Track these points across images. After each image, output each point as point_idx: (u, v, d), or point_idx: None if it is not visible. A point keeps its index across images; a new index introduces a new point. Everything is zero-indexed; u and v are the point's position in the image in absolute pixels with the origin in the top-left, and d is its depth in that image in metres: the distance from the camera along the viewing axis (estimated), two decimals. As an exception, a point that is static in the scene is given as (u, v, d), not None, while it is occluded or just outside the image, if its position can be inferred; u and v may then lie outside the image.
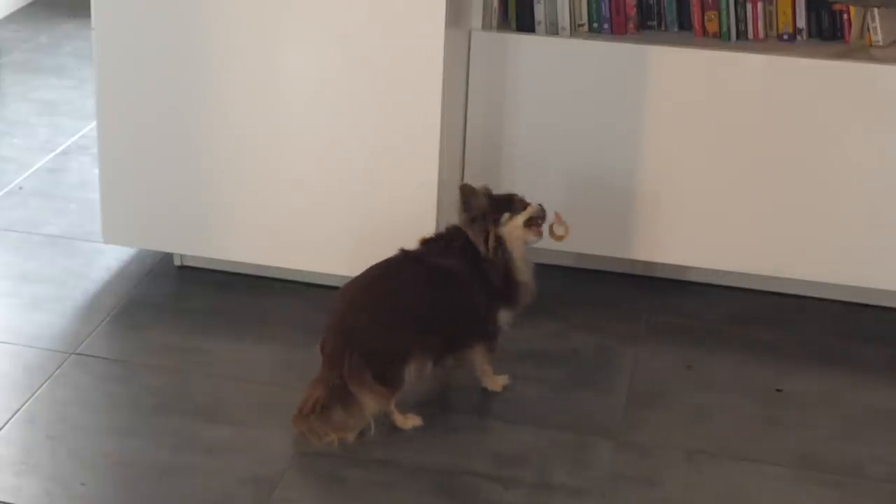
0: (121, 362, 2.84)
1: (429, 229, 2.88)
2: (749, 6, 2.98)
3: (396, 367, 2.52)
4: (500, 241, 2.63)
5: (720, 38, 3.01)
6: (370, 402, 2.51)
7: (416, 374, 2.57)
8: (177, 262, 3.24)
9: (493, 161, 3.07)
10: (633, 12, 3.02)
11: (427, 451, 2.55)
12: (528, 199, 2.69)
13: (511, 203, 2.66)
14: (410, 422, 2.61)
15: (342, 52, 2.83)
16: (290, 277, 3.13)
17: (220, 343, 2.92)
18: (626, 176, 3.04)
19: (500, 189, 2.73)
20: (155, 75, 2.94)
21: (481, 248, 2.62)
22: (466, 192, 2.66)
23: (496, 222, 2.63)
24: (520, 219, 2.64)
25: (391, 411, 2.58)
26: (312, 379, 2.54)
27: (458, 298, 2.61)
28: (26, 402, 2.67)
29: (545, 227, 2.68)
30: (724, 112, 2.95)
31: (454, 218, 3.06)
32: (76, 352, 2.85)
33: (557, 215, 2.71)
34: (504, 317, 2.68)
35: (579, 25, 3.02)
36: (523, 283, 2.67)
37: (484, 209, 2.63)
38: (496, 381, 2.74)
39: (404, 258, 2.63)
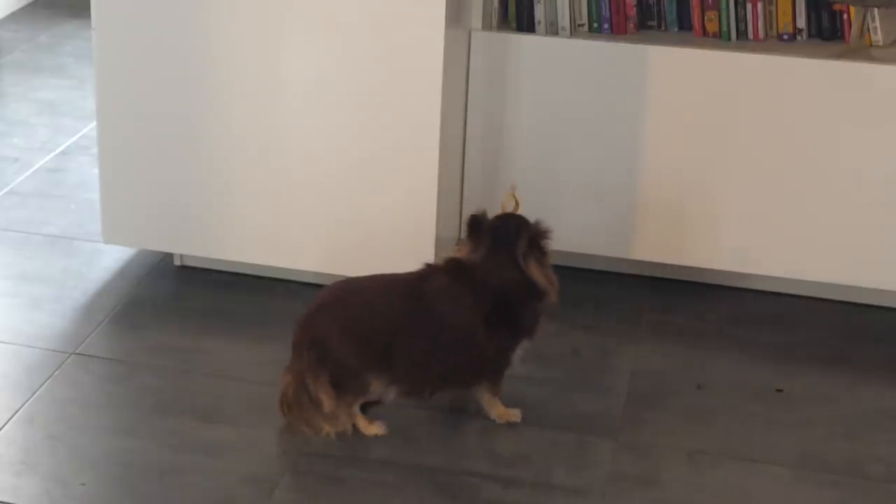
0: (121, 362, 2.84)
1: (429, 229, 2.88)
2: (749, 6, 2.98)
3: (351, 379, 2.48)
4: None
5: (720, 38, 3.01)
6: (325, 401, 2.48)
7: (382, 395, 2.52)
8: (177, 262, 3.24)
9: (493, 161, 3.07)
10: (633, 12, 3.02)
11: (427, 451, 2.55)
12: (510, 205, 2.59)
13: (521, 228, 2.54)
14: (373, 429, 2.55)
15: (342, 52, 2.83)
16: (290, 277, 3.13)
17: (220, 343, 2.92)
18: (625, 176, 3.04)
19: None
20: (155, 75, 2.94)
21: (548, 289, 2.54)
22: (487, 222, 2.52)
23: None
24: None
25: (354, 414, 2.54)
26: (285, 367, 2.54)
27: (459, 346, 2.50)
28: (26, 402, 2.67)
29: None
30: (724, 112, 2.95)
31: (453, 220, 3.06)
32: (76, 352, 2.85)
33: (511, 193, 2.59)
34: (522, 348, 2.58)
35: (579, 25, 3.02)
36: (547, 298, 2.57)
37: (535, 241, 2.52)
38: (507, 413, 2.62)
39: (409, 281, 2.51)
